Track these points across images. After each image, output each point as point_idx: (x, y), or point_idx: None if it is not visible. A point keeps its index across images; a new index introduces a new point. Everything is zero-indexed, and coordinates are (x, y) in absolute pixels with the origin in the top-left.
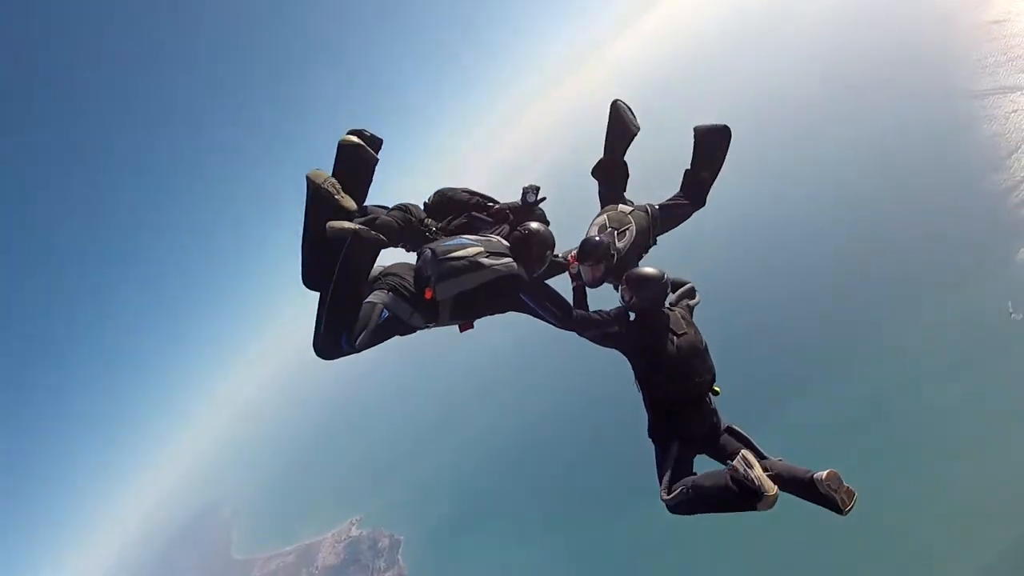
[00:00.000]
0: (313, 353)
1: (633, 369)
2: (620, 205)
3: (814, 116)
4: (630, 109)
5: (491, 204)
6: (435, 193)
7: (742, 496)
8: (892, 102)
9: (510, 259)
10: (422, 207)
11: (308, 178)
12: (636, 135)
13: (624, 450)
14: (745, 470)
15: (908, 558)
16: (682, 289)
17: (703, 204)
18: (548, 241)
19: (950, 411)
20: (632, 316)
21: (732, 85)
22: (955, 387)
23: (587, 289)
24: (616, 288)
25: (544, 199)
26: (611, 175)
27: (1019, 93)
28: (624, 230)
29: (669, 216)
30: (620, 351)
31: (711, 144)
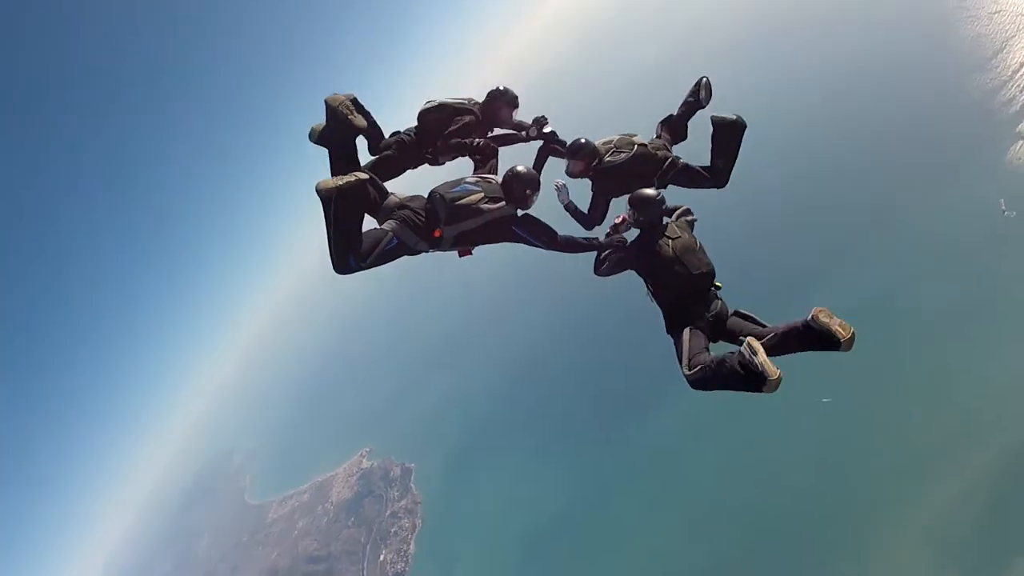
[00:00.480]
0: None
1: (644, 282)
2: (638, 136)
3: (807, 26)
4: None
5: (476, 141)
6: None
7: (749, 379)
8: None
9: (504, 203)
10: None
11: (326, 101)
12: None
13: (634, 373)
14: (750, 356)
15: (901, 457)
16: (680, 210)
17: (723, 186)
18: (533, 182)
19: (943, 312)
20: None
21: None
22: (947, 287)
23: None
24: (592, 188)
25: (552, 132)
26: (673, 130)
27: None
28: (621, 151)
29: (686, 176)
30: (631, 269)
31: (724, 139)
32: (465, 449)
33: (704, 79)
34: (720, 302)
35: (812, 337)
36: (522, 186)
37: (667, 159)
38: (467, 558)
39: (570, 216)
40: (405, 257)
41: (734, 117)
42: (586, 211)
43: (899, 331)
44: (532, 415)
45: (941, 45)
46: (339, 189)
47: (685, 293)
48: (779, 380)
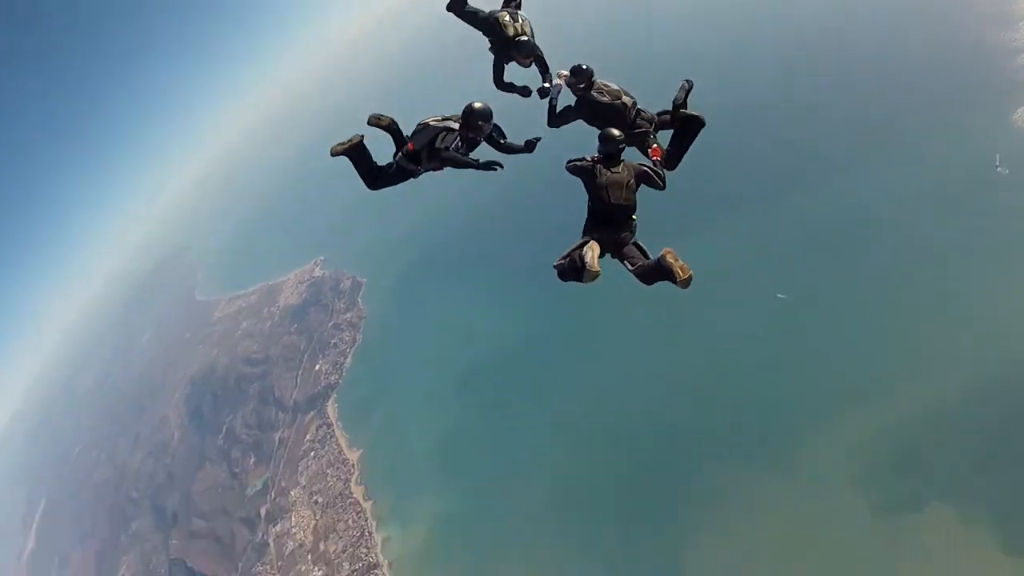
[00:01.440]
0: None
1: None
2: (633, 99)
3: None
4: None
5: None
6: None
7: (575, 270)
8: None
9: (452, 123)
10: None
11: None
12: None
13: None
14: (583, 253)
15: (838, 383)
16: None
17: (673, 168)
18: (485, 113)
19: (917, 250)
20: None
21: None
22: (926, 228)
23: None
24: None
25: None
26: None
27: None
28: (605, 96)
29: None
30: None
31: (685, 131)
32: (420, 274)
33: (687, 83)
34: (629, 233)
35: (661, 271)
36: (476, 118)
37: (639, 127)
38: (400, 380)
39: (544, 104)
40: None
41: (698, 114)
42: (557, 112)
43: (872, 259)
44: (491, 254)
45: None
46: (344, 148)
47: (604, 216)
48: (594, 275)
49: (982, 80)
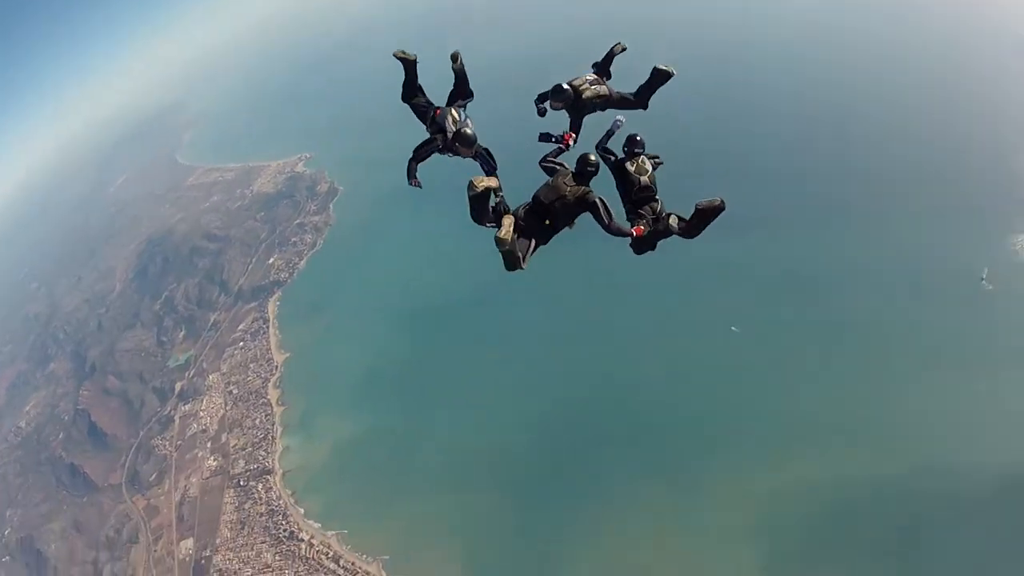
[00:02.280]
0: None
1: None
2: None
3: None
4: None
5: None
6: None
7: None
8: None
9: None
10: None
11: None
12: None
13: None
14: (501, 221)
15: (790, 432)
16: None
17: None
18: (467, 139)
19: (889, 335)
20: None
21: None
22: (904, 317)
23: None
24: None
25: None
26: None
27: None
28: (639, 169)
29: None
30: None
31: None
32: (399, 197)
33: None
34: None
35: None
36: (456, 139)
37: (640, 210)
38: (348, 296)
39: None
40: None
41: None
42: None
43: (837, 323)
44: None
45: (1003, 115)
46: (402, 56)
47: (536, 205)
48: (501, 242)
49: (993, 197)
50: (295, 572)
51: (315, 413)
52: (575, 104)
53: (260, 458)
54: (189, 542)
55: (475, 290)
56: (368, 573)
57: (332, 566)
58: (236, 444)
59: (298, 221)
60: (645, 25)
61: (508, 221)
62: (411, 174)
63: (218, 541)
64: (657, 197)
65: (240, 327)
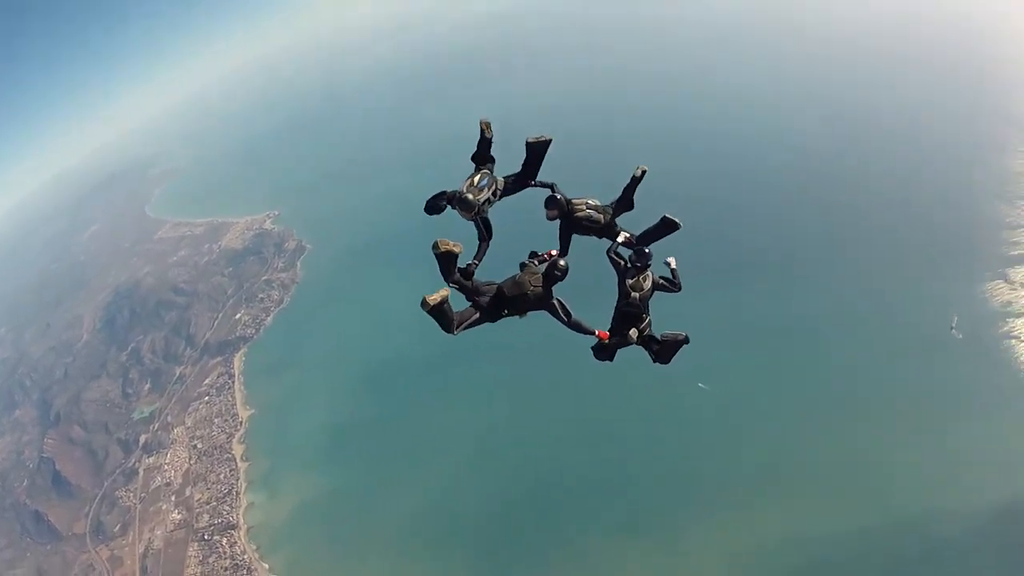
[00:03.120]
0: None
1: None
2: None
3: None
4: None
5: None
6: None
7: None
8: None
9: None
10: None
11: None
12: None
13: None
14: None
15: (760, 489)
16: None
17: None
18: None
19: (867, 387)
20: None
21: None
22: (878, 370)
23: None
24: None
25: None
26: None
27: None
28: (641, 286)
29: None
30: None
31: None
32: (366, 256)
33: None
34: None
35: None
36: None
37: (626, 321)
38: (314, 354)
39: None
40: None
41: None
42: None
43: (806, 378)
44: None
45: (981, 165)
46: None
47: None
48: (428, 305)
49: (967, 245)
50: None
51: (280, 470)
52: (568, 220)
53: (224, 513)
54: None
55: (441, 348)
56: None
57: None
58: (200, 498)
59: (265, 278)
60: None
61: (443, 292)
62: (428, 208)
63: None
64: (644, 315)
65: (206, 382)
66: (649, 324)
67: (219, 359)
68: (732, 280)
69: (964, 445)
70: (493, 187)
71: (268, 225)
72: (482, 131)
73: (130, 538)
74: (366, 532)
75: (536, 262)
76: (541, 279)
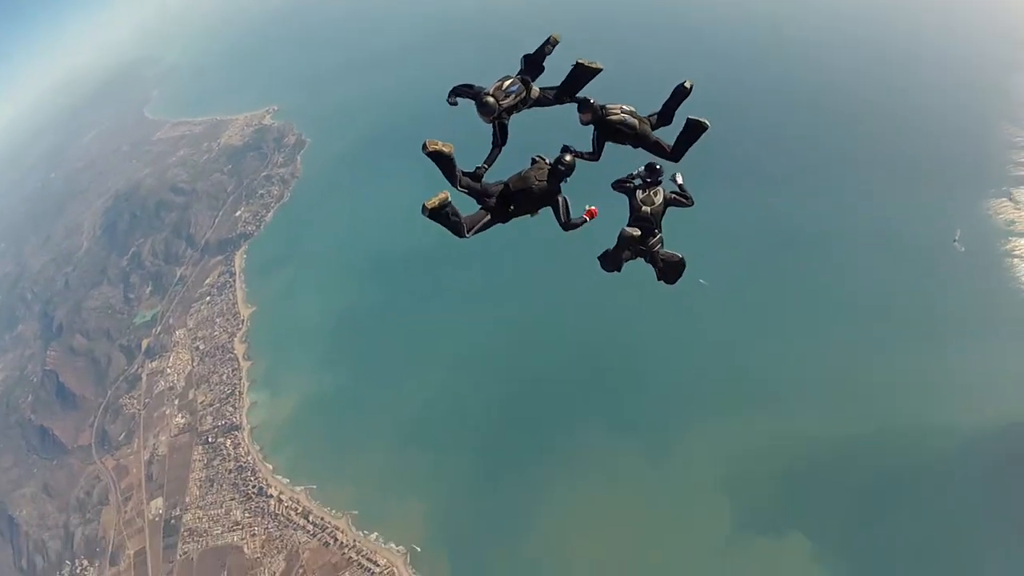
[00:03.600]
0: None
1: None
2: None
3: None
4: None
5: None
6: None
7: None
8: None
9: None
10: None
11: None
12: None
13: None
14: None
15: (761, 388)
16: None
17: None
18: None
19: (867, 298)
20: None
21: None
22: (879, 282)
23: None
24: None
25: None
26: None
27: None
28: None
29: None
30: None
31: (688, 135)
32: (368, 149)
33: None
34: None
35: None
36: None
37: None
38: (315, 248)
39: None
40: None
41: (705, 121)
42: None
43: (808, 281)
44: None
45: (995, 85)
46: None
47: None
48: (425, 208)
49: (973, 163)
50: (264, 529)
51: (281, 368)
52: (601, 124)
53: (227, 414)
54: (159, 501)
55: (441, 244)
56: (337, 528)
57: (301, 522)
58: (203, 400)
59: (265, 174)
60: None
61: (441, 196)
62: (451, 94)
63: (187, 500)
64: (656, 231)
65: (207, 281)
66: (660, 241)
67: (220, 258)
68: (742, 186)
69: (959, 363)
70: (523, 95)
71: (267, 120)
72: (546, 44)
73: (135, 446)
74: (365, 428)
75: (546, 160)
76: (547, 174)
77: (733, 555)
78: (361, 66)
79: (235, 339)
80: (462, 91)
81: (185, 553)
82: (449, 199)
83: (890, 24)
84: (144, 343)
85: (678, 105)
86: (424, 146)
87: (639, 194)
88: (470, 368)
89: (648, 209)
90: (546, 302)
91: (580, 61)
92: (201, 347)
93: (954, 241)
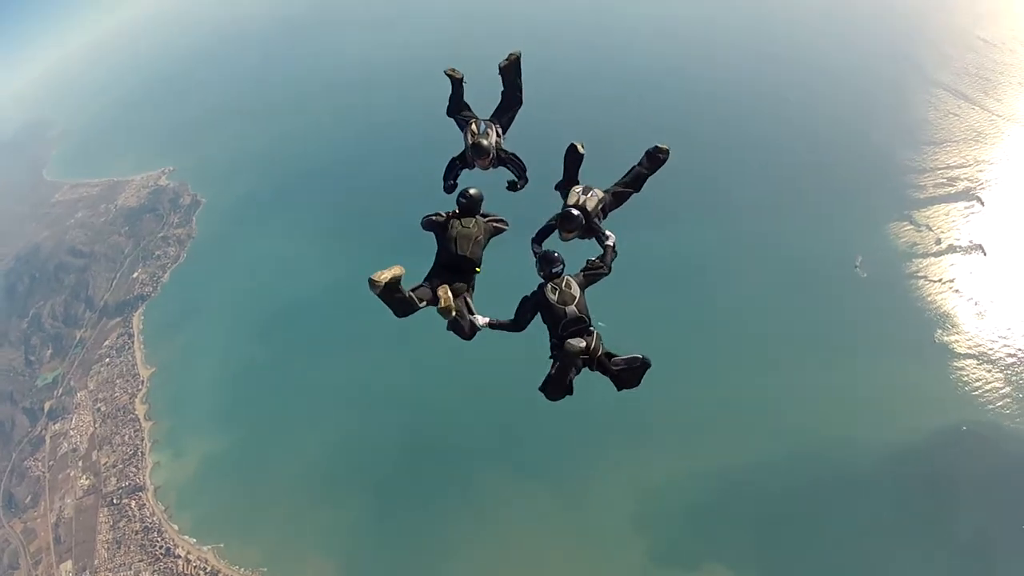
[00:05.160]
0: None
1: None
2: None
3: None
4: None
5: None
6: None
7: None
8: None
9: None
10: None
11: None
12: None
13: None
14: (438, 294)
15: (664, 424)
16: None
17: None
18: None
19: (770, 324)
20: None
21: None
22: (781, 307)
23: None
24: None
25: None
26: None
27: (967, 104)
28: (561, 291)
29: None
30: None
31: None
32: (260, 205)
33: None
34: (466, 285)
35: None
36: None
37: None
38: (211, 308)
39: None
40: None
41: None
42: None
43: (706, 313)
44: (341, 203)
45: (893, 112)
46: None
47: (444, 261)
48: (442, 308)
49: (873, 189)
50: None
51: (183, 428)
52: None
53: (131, 475)
54: (68, 564)
55: (335, 292)
56: None
57: None
58: (107, 462)
59: (161, 235)
60: None
61: (443, 290)
62: (445, 185)
63: (96, 562)
64: (592, 328)
65: (106, 343)
66: (599, 338)
67: (118, 319)
68: (635, 219)
69: (866, 382)
70: (495, 128)
71: (163, 181)
72: (450, 78)
73: (41, 508)
74: (270, 483)
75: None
76: (461, 217)
77: None
78: (254, 116)
79: (136, 400)
80: (454, 171)
81: None
82: (402, 275)
83: (780, 40)
84: (47, 405)
85: (576, 167)
86: (372, 284)
87: (551, 294)
88: (368, 420)
89: (573, 307)
90: (439, 349)
91: (500, 64)
92: (103, 408)
93: (855, 267)
